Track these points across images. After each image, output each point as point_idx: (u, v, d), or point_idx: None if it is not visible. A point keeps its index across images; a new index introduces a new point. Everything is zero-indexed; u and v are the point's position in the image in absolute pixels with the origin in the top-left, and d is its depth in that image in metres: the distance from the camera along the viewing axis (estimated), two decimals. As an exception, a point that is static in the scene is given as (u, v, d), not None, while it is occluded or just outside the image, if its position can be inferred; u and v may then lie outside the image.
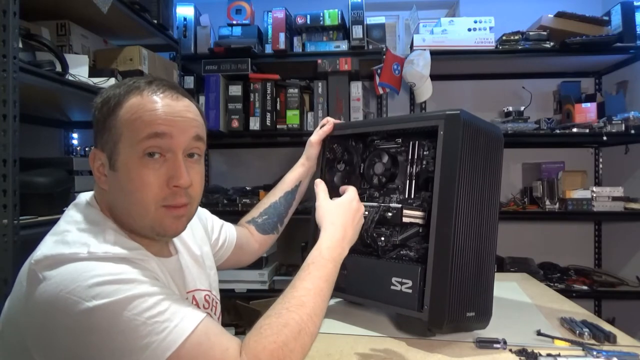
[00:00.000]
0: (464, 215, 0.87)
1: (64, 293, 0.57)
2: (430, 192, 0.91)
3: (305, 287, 0.71)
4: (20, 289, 0.62)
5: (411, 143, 1.04)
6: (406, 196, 1.04)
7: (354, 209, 0.88)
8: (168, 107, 0.70)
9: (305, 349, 0.65)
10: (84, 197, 0.75)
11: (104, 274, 0.59)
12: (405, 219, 0.95)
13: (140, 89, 0.71)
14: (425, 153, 1.02)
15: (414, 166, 1.03)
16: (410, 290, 0.90)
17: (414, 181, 1.03)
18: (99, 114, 0.72)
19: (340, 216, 0.85)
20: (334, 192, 1.17)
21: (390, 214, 0.96)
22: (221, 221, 1.08)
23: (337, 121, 1.17)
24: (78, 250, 0.62)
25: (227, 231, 1.07)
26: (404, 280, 0.91)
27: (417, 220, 0.96)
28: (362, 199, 1.14)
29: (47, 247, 0.64)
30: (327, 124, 1.16)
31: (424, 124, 0.96)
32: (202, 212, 1.03)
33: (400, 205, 0.95)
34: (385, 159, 1.08)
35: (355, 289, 1.01)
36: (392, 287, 0.93)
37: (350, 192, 0.91)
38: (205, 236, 0.98)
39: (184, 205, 0.72)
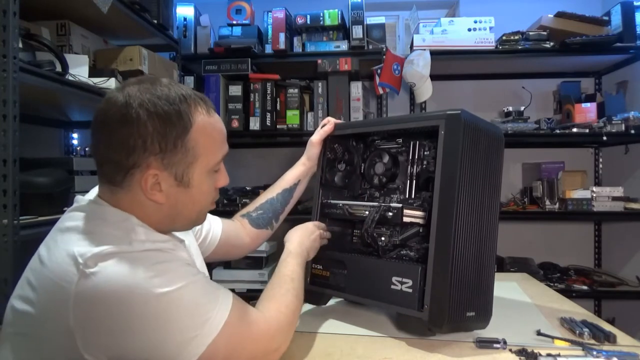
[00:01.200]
0: (464, 215, 0.87)
1: (125, 287, 0.61)
2: (431, 192, 0.91)
3: (290, 270, 0.91)
4: (59, 290, 0.62)
5: (412, 143, 1.04)
6: (407, 196, 1.04)
7: (309, 229, 1.06)
8: (223, 124, 0.79)
9: (299, 308, 0.86)
10: (88, 198, 0.75)
11: (155, 265, 0.65)
12: (405, 219, 0.95)
13: (199, 104, 0.73)
14: (425, 153, 1.02)
15: (415, 166, 1.03)
16: (410, 290, 0.90)
17: (414, 181, 1.03)
18: (159, 137, 0.68)
19: (297, 233, 1.04)
20: (335, 192, 1.17)
21: (390, 214, 0.96)
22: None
23: (338, 121, 1.17)
24: (119, 244, 0.65)
25: (211, 224, 1.08)
26: (404, 280, 0.91)
27: (418, 220, 0.96)
28: (362, 199, 1.15)
29: (81, 245, 0.64)
30: (328, 124, 1.16)
31: (424, 123, 0.96)
32: None
33: (400, 205, 0.95)
34: (386, 158, 1.08)
35: (355, 288, 1.01)
36: (393, 287, 0.93)
37: (308, 223, 1.09)
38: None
39: None
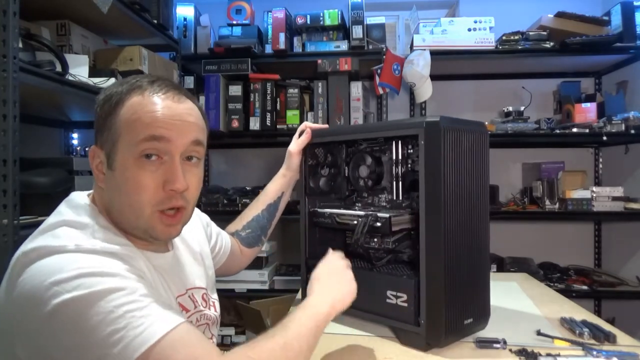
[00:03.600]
0: (453, 220, 0.86)
1: (47, 283, 0.57)
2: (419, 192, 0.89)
3: (298, 327, 0.68)
4: (6, 282, 0.63)
5: (394, 142, 1.02)
6: (394, 197, 1.03)
7: (349, 278, 0.84)
8: (168, 110, 0.70)
9: None
10: (77, 195, 0.75)
11: (88, 266, 0.59)
12: (394, 227, 0.92)
13: (142, 88, 0.70)
14: (410, 152, 1.00)
15: (399, 166, 1.01)
16: (405, 304, 0.89)
17: (400, 182, 1.01)
18: (100, 111, 0.71)
19: (331, 288, 0.80)
20: (321, 197, 1.15)
21: (379, 224, 0.93)
22: (218, 228, 1.08)
23: (316, 126, 1.13)
24: (66, 243, 0.62)
25: (223, 238, 1.08)
26: (398, 294, 0.90)
27: (407, 225, 0.95)
28: (350, 201, 1.12)
29: (36, 240, 0.64)
30: (305, 133, 1.12)
31: (403, 132, 0.94)
32: (203, 216, 1.03)
33: (388, 215, 0.92)
34: (369, 161, 1.06)
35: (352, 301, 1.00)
36: (388, 301, 0.92)
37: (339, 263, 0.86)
38: (205, 238, 0.98)
39: (179, 212, 0.73)
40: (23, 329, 0.58)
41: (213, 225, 1.07)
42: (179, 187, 0.69)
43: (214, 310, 0.89)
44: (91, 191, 0.77)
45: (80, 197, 0.74)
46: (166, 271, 0.78)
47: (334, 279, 0.82)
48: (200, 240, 0.95)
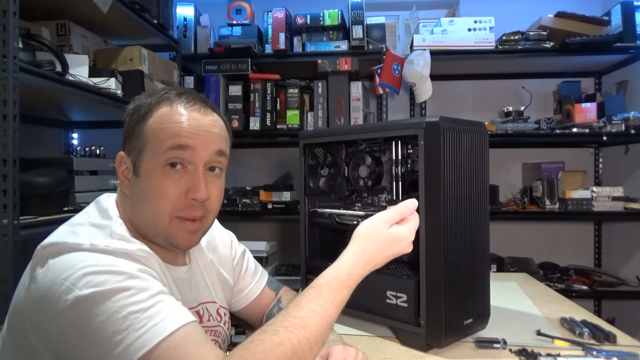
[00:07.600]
0: (452, 221, 0.85)
1: (60, 279, 0.59)
2: (418, 193, 0.88)
3: (312, 309, 0.65)
4: (26, 275, 0.65)
5: (393, 143, 1.01)
6: (394, 197, 1.03)
7: (399, 249, 0.77)
8: (194, 121, 0.72)
9: None
10: (105, 197, 0.76)
11: (98, 264, 0.61)
12: None
13: (170, 100, 0.73)
14: (409, 152, 1.00)
15: (399, 166, 1.00)
16: (405, 305, 0.89)
17: (400, 182, 1.01)
18: (130, 120, 0.74)
19: (375, 248, 0.76)
20: (321, 196, 1.14)
21: None
22: (258, 271, 1.00)
23: None
24: (82, 241, 0.64)
25: (256, 283, 0.98)
26: (398, 294, 0.90)
27: None
28: (350, 201, 1.12)
29: (57, 235, 0.66)
30: None
31: (403, 132, 0.93)
32: (239, 249, 0.98)
33: None
34: (369, 161, 1.06)
35: (351, 301, 0.99)
36: (388, 301, 0.92)
37: (409, 228, 0.77)
38: (230, 255, 0.95)
39: (199, 219, 0.73)
40: (34, 320, 0.61)
41: (249, 263, 0.99)
42: (200, 196, 0.70)
43: (227, 327, 0.89)
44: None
45: (107, 200, 0.75)
46: (179, 283, 0.78)
47: (381, 242, 0.75)
48: (222, 256, 0.92)
